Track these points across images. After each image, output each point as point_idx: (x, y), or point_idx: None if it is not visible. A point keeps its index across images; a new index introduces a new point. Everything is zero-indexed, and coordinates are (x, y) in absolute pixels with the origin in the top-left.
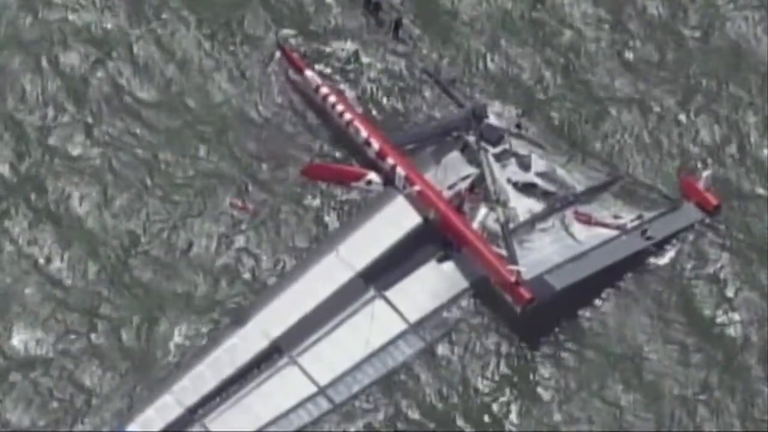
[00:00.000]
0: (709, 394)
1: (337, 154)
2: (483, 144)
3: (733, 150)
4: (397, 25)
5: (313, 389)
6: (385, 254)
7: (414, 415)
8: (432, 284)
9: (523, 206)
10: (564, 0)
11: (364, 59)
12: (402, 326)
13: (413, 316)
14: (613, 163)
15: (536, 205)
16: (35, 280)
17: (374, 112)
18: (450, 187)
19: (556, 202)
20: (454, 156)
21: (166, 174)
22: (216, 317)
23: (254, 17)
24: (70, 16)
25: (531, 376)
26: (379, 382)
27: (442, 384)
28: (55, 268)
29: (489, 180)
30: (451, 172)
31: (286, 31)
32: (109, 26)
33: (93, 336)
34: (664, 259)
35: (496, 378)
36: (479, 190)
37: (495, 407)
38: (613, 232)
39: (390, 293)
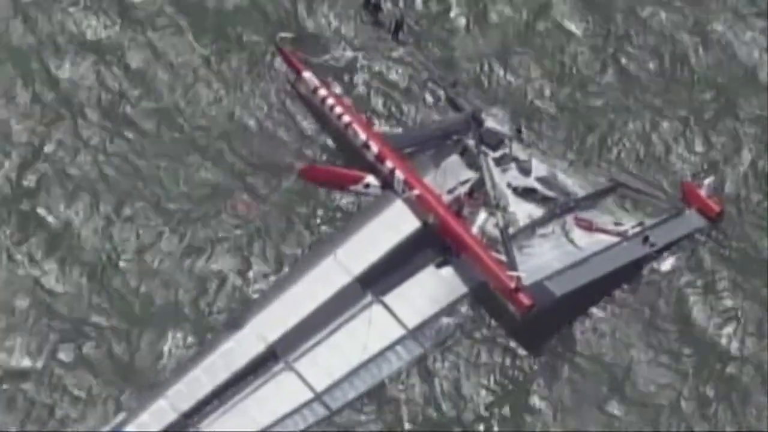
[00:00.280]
0: (704, 404)
1: (335, 162)
2: (483, 148)
3: (733, 159)
4: (398, 26)
5: (310, 395)
6: (383, 259)
7: (408, 425)
8: (430, 289)
9: (523, 211)
10: (565, 9)
11: (363, 62)
12: (400, 332)
13: (411, 322)
14: (614, 169)
15: (536, 211)
16: (25, 288)
17: (373, 115)
18: (449, 192)
19: (557, 207)
20: (454, 160)
21: (158, 182)
22: (208, 325)
23: (250, 23)
24: (63, 23)
25: (526, 386)
26: (375, 390)
27: (437, 393)
28: (44, 275)
29: (489, 184)
30: (450, 176)
31: (284, 34)
32: (102, 33)
33: (82, 344)
34: (660, 269)
35: (491, 387)
36: (479, 194)
37: (489, 416)
38: (614, 239)
39: (388, 298)
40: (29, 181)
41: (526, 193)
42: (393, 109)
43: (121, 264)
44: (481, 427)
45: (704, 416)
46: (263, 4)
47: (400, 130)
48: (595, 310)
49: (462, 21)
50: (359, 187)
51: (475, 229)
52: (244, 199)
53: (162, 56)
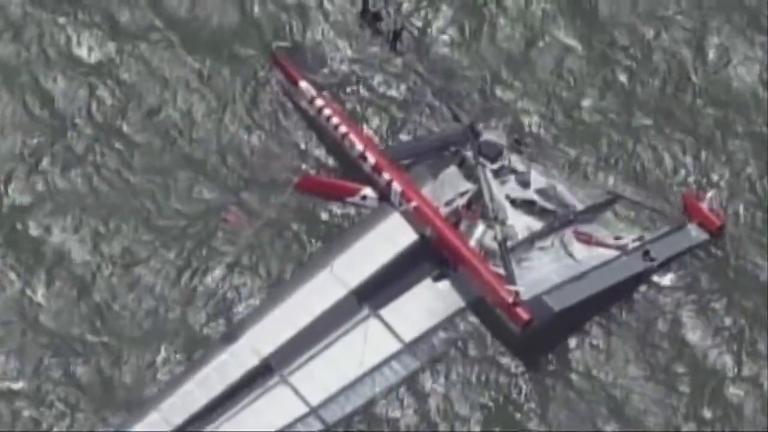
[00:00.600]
0: (701, 424)
1: (331, 174)
2: (481, 159)
3: (733, 176)
4: (396, 36)
5: (305, 409)
6: (379, 272)
7: None
8: (427, 303)
9: (522, 224)
10: (565, 24)
11: (360, 73)
12: (396, 346)
13: (408, 336)
14: (614, 182)
15: (535, 223)
16: (11, 303)
17: (370, 127)
18: (447, 203)
19: (556, 220)
20: (452, 171)
21: (150, 196)
22: (199, 342)
23: (243, 36)
24: (53, 37)
25: (521, 404)
26: (368, 406)
27: (431, 410)
28: (32, 290)
29: (487, 196)
30: (448, 188)
31: (280, 43)
32: (94, 47)
33: (70, 360)
34: (659, 284)
35: (486, 404)
36: (477, 206)
37: None
38: (614, 253)
39: (384, 312)
40: (19, 198)
41: (525, 206)
42: (390, 120)
43: (111, 279)
44: None
45: None
46: (257, 17)
47: (397, 141)
48: (591, 327)
49: (461, 33)
50: (356, 199)
51: (472, 242)
52: (235, 212)
53: (155, 70)
